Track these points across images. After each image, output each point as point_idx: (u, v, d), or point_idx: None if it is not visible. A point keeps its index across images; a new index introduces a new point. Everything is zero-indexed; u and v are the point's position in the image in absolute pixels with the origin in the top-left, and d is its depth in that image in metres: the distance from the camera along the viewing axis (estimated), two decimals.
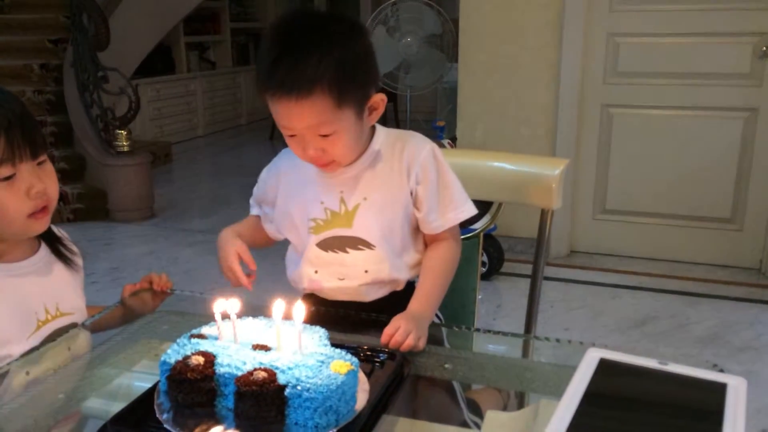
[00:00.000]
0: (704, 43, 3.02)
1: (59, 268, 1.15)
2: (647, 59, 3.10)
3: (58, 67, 4.58)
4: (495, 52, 3.25)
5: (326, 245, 1.15)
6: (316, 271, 1.18)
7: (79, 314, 1.15)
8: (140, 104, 4.17)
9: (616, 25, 3.11)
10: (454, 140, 3.36)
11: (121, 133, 4.06)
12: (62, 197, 4.04)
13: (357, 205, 1.13)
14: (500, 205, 1.42)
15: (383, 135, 1.15)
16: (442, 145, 3.19)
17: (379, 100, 1.09)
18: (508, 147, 3.24)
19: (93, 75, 4.10)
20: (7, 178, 0.99)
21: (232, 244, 1.15)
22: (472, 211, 1.16)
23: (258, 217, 1.26)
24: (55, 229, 1.16)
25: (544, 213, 1.31)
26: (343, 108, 1.02)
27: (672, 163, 3.17)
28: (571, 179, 3.25)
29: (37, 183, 1.02)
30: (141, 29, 5.10)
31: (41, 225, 1.06)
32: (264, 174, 1.24)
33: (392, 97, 6.02)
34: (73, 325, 1.12)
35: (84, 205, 4.07)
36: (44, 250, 1.13)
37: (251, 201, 1.27)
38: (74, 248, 1.19)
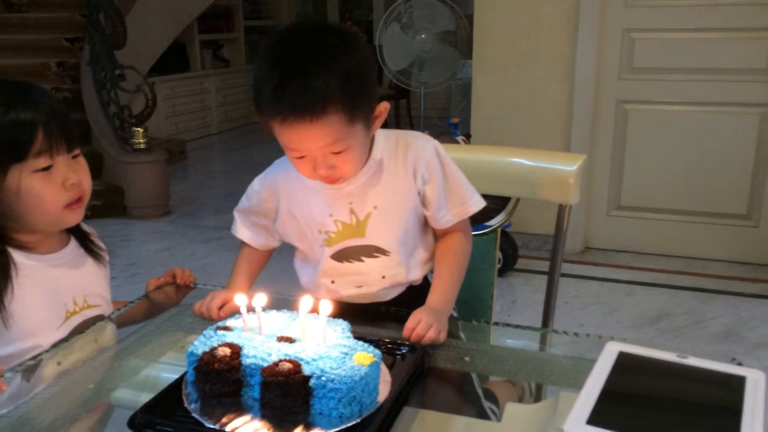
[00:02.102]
0: (720, 38, 3.00)
1: (88, 261, 1.18)
2: (663, 55, 3.09)
3: (75, 66, 4.63)
4: (509, 48, 3.25)
5: (341, 256, 1.15)
6: (332, 281, 1.18)
7: (106, 306, 1.18)
8: (156, 102, 4.21)
9: (632, 20, 3.10)
10: (468, 137, 3.36)
11: (138, 131, 4.10)
12: None
13: (368, 214, 1.12)
14: (517, 200, 1.43)
15: (383, 139, 1.13)
16: (456, 142, 3.20)
17: (383, 108, 1.07)
18: (522, 143, 3.24)
19: (110, 73, 4.14)
20: (45, 169, 1.03)
21: (227, 292, 1.13)
22: (480, 203, 1.15)
23: (247, 246, 1.22)
24: (84, 225, 1.19)
25: (561, 208, 1.32)
26: (355, 123, 1.01)
27: (687, 159, 3.16)
28: (585, 175, 3.25)
29: (72, 175, 1.06)
30: (156, 27, 5.14)
31: (76, 216, 1.10)
32: (257, 185, 1.20)
33: (405, 94, 6.03)
34: (100, 317, 1.15)
35: (101, 202, 4.11)
36: (74, 243, 1.16)
37: (236, 214, 1.22)
38: (101, 244, 1.22)
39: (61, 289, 1.11)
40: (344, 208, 1.12)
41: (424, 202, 1.14)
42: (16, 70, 4.62)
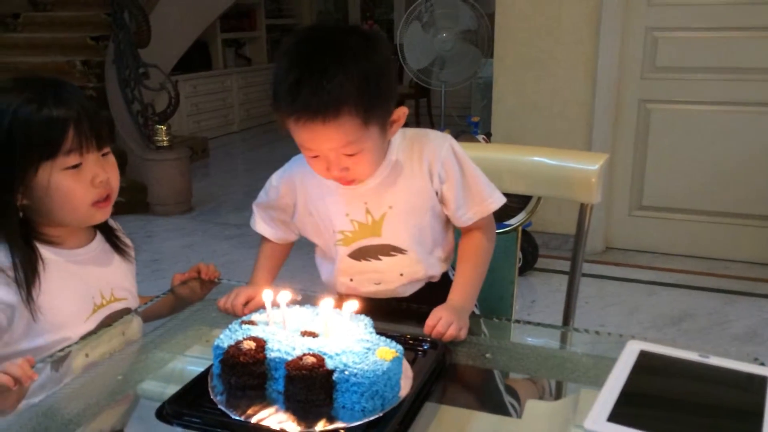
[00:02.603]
0: (743, 37, 2.97)
1: (114, 256, 1.21)
2: (685, 54, 3.06)
3: (100, 64, 4.69)
4: (531, 46, 3.24)
5: (358, 255, 1.16)
6: (351, 279, 1.19)
7: (132, 300, 1.21)
8: (179, 100, 4.26)
9: (655, 19, 3.08)
10: (488, 135, 3.36)
11: (161, 129, 4.15)
12: None
13: (384, 214, 1.12)
14: (539, 199, 1.43)
15: (399, 138, 1.12)
16: (476, 140, 3.20)
17: (402, 113, 1.06)
18: (543, 142, 3.23)
19: (134, 71, 4.19)
20: (75, 167, 1.06)
21: (251, 288, 1.14)
22: (500, 200, 1.15)
23: (267, 240, 1.23)
24: (110, 221, 1.21)
25: (583, 207, 1.32)
26: (369, 126, 1.00)
27: (710, 159, 3.13)
28: (607, 175, 3.23)
29: (101, 173, 1.08)
30: (179, 26, 5.19)
31: (104, 213, 1.12)
32: (275, 181, 1.20)
33: (426, 93, 6.03)
34: (127, 311, 1.18)
35: (125, 198, 4.15)
36: (100, 239, 1.19)
37: (255, 209, 1.23)
38: (127, 241, 1.25)
39: (88, 282, 1.13)
40: (360, 208, 1.13)
41: (442, 201, 1.14)
42: (42, 68, 4.68)
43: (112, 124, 4.31)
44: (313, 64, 0.96)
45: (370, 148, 1.03)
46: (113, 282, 1.17)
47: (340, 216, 1.14)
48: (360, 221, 1.13)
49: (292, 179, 1.18)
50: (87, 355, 1.05)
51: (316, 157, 1.03)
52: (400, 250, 1.15)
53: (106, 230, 1.21)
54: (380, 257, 1.16)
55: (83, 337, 1.07)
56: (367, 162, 1.04)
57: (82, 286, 1.12)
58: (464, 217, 1.14)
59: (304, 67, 0.96)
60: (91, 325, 1.11)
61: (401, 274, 1.17)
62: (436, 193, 1.13)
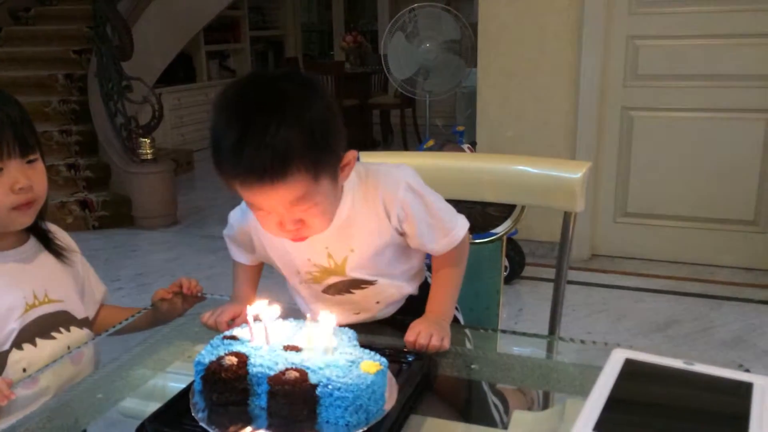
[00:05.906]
0: (725, 44, 3.00)
1: (49, 259, 1.19)
2: (667, 61, 3.09)
3: (83, 77, 4.66)
4: (514, 56, 3.26)
5: (330, 291, 1.13)
6: (330, 312, 1.16)
7: (70, 303, 1.19)
8: (163, 112, 4.24)
9: (636, 28, 3.11)
10: (473, 145, 3.36)
11: (145, 141, 4.12)
12: (87, 205, 4.11)
13: (345, 257, 1.09)
14: (523, 208, 1.43)
15: (354, 179, 1.06)
16: (461, 149, 3.21)
17: (352, 157, 1.00)
18: (527, 151, 3.24)
19: (117, 84, 4.17)
20: None
21: (237, 305, 1.13)
22: (464, 226, 1.11)
23: (243, 264, 1.21)
24: (48, 225, 1.21)
25: (567, 216, 1.32)
26: (320, 178, 0.94)
27: (694, 166, 3.15)
28: (591, 182, 3.25)
29: (22, 179, 1.07)
30: (163, 39, 5.17)
31: (25, 218, 1.11)
32: (232, 219, 1.17)
33: (411, 103, 6.04)
34: (64, 314, 1.16)
35: (109, 212, 4.13)
36: (32, 242, 1.18)
37: (226, 239, 1.20)
38: (65, 244, 1.23)
39: (18, 283, 1.12)
40: (321, 253, 1.09)
41: (404, 236, 1.10)
42: (25, 83, 4.66)
43: (94, 137, 4.28)
44: (253, 121, 0.89)
45: (323, 200, 0.97)
46: (47, 284, 1.16)
47: (302, 261, 1.11)
48: (322, 265, 1.10)
49: (248, 226, 1.13)
50: (24, 370, 1.04)
51: (267, 213, 0.98)
52: (369, 282, 1.12)
53: (39, 233, 1.20)
54: (352, 290, 1.13)
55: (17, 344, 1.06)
56: (321, 214, 0.99)
57: (11, 287, 1.12)
58: (434, 249, 1.11)
59: (243, 124, 0.89)
60: (23, 322, 1.10)
61: (377, 302, 1.16)
62: (396, 230, 1.09)
